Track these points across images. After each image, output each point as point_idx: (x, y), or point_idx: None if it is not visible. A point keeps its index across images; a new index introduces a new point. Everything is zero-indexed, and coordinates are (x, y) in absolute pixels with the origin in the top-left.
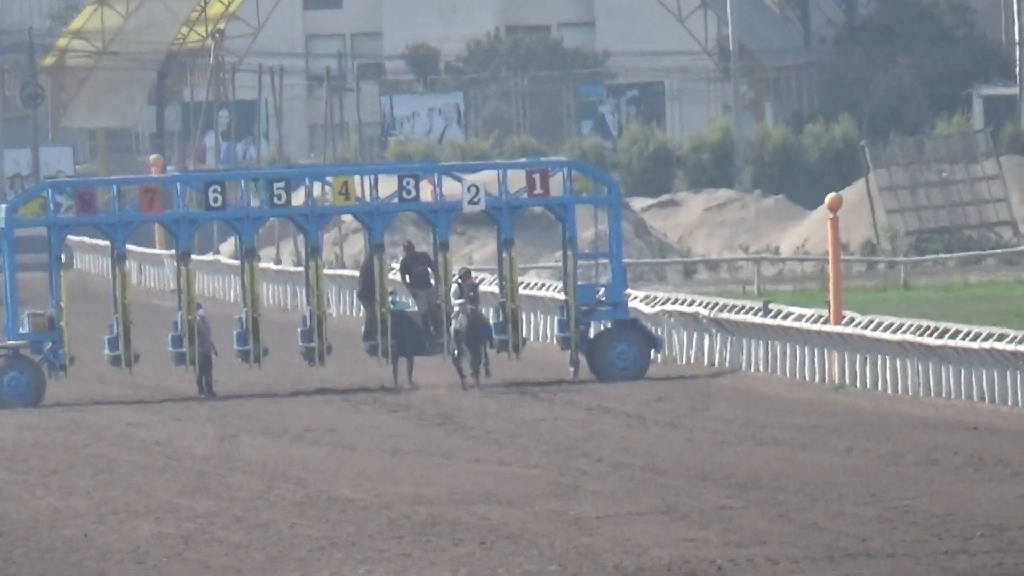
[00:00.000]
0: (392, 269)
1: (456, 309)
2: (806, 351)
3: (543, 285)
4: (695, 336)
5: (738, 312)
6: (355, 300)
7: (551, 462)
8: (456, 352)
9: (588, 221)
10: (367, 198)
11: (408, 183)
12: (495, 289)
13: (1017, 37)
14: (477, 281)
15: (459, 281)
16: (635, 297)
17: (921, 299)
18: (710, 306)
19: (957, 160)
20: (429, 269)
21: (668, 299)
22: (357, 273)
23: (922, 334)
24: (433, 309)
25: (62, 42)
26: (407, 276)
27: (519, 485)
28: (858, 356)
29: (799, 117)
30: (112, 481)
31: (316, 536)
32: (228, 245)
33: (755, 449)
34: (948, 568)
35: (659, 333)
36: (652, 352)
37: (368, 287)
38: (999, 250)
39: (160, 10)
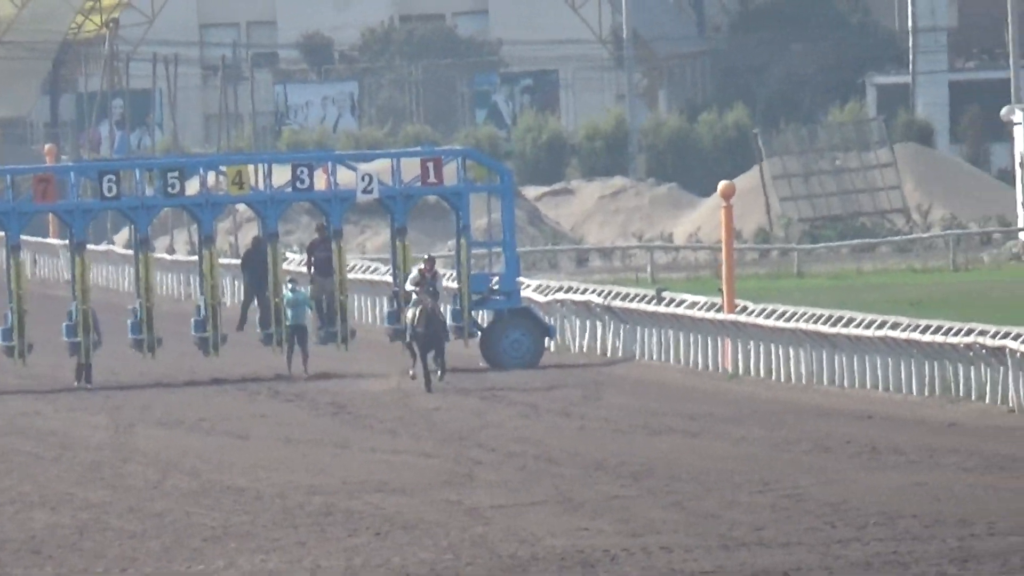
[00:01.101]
0: (286, 259)
1: (414, 297)
2: (699, 339)
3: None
4: (588, 324)
5: (631, 300)
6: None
7: (445, 451)
8: (412, 345)
9: (482, 210)
10: (261, 187)
11: (302, 172)
12: (389, 279)
13: (910, 25)
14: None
15: (421, 268)
16: (528, 285)
17: (815, 287)
18: (603, 294)
19: (851, 148)
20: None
21: (561, 287)
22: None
23: (815, 322)
24: (328, 297)
25: None
26: (311, 259)
27: (413, 474)
28: (752, 344)
29: (693, 105)
30: (6, 471)
31: (211, 525)
32: (123, 235)
33: (648, 438)
34: (842, 556)
35: (552, 321)
36: (545, 340)
37: (254, 278)
38: (893, 238)
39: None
